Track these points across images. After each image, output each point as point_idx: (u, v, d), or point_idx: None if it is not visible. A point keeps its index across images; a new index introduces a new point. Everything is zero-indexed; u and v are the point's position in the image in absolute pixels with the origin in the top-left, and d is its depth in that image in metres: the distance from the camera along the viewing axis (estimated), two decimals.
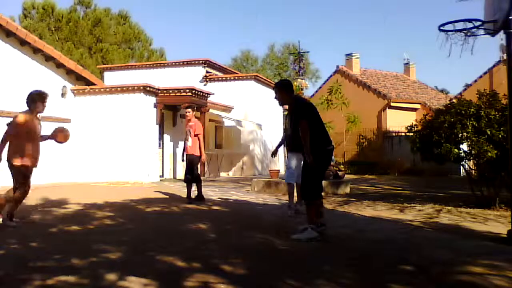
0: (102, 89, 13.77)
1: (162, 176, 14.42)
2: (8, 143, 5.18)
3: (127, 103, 13.10)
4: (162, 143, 14.59)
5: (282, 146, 7.56)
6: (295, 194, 6.55)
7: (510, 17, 4.47)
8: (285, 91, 4.92)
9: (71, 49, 25.48)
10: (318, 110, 4.92)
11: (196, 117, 8.56)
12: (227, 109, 17.54)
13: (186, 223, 5.69)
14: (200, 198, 7.92)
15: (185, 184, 8.09)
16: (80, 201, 7.66)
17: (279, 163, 19.14)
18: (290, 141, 6.49)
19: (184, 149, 8.03)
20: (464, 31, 5.04)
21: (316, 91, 27.07)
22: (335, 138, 20.16)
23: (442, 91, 34.25)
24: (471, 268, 3.49)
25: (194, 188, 8.02)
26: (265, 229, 5.25)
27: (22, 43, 12.03)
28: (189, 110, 8.01)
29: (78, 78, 13.78)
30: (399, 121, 20.35)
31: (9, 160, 5.17)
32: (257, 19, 63.15)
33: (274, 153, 7.38)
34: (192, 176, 7.87)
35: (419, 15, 64.76)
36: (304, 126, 4.54)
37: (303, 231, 4.59)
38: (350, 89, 23.21)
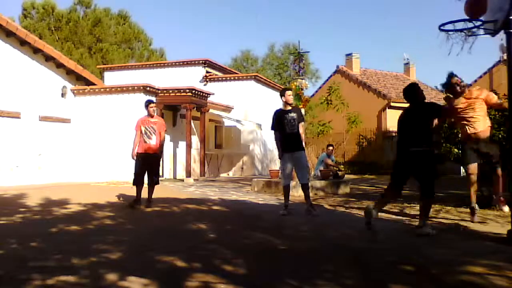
0: (102, 89, 13.78)
1: (162, 176, 14.39)
2: None
3: (127, 103, 13.10)
4: None
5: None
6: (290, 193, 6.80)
7: (510, 17, 4.47)
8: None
9: (71, 49, 25.46)
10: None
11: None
12: (227, 109, 17.54)
13: (186, 223, 5.70)
14: (150, 201, 7.28)
15: (151, 186, 7.28)
16: (80, 201, 7.66)
17: (279, 163, 19.10)
18: (290, 140, 6.54)
19: (140, 147, 7.24)
20: (465, 31, 5.04)
21: (316, 91, 27.10)
22: (335, 138, 20.17)
23: (442, 91, 34.22)
24: (471, 268, 3.48)
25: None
26: (265, 229, 5.25)
27: (22, 43, 12.04)
28: (153, 106, 7.43)
29: (78, 78, 13.80)
30: None
31: None
32: (257, 19, 63.15)
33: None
34: (157, 178, 7.40)
35: (419, 15, 64.77)
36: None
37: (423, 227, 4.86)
38: (350, 89, 23.20)
